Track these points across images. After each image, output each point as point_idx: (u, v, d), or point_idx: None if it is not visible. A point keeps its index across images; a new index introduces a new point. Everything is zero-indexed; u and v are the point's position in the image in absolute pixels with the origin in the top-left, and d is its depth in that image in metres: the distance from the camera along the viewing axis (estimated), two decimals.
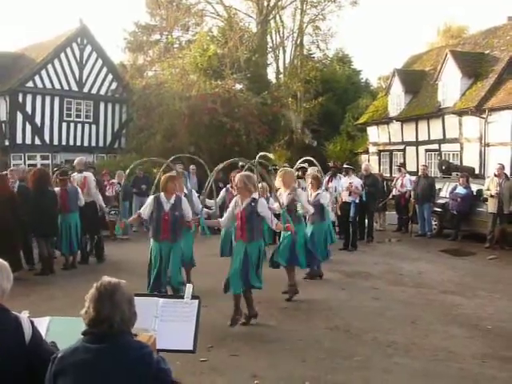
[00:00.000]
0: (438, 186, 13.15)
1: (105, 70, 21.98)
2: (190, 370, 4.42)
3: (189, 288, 2.96)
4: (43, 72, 20.26)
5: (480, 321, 6.20)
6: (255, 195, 5.90)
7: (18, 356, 2.30)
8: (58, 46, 20.70)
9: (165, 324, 2.80)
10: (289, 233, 6.54)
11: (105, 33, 53.63)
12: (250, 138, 20.02)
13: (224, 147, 18.82)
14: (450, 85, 18.54)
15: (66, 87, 20.86)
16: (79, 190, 9.17)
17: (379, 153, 23.29)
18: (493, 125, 16.75)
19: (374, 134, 23.60)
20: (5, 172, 9.40)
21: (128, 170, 7.52)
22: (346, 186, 11.20)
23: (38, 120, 20.35)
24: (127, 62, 26.64)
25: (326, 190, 9.90)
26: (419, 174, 14.08)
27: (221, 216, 6.94)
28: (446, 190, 12.94)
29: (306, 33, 28.44)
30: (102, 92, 21.90)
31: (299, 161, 10.51)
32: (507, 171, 12.66)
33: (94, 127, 21.87)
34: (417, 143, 20.59)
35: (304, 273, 8.04)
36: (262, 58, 27.12)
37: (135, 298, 2.30)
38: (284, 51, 28.95)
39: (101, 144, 22.05)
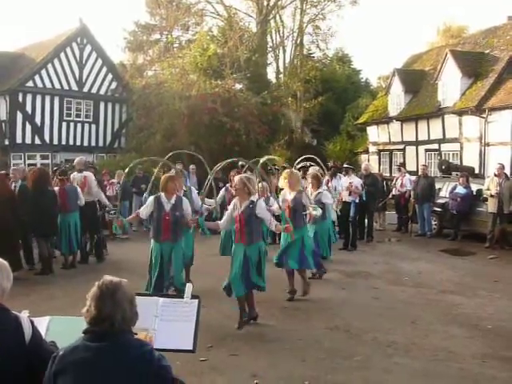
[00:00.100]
0: (437, 185, 13.13)
1: (105, 69, 22.00)
2: (190, 370, 4.42)
3: (189, 288, 2.96)
4: (43, 72, 20.29)
5: (480, 321, 6.20)
6: (254, 197, 5.85)
7: (17, 356, 2.29)
8: (57, 45, 20.72)
9: (165, 323, 2.80)
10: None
11: (105, 32, 53.86)
12: (250, 138, 20.01)
13: (224, 147, 18.79)
14: (450, 84, 18.54)
15: (65, 87, 20.88)
16: (79, 189, 9.18)
17: (379, 152, 23.29)
18: (493, 124, 16.76)
19: (374, 133, 23.59)
20: (4, 172, 9.40)
21: (127, 169, 7.51)
22: (345, 185, 11.20)
23: (37, 120, 20.36)
24: (127, 61, 26.67)
25: (327, 188, 9.88)
26: (419, 173, 14.08)
27: (221, 212, 6.92)
28: (445, 190, 12.92)
29: (305, 32, 28.51)
30: (102, 92, 21.92)
31: (298, 160, 10.47)
32: (507, 171, 12.65)
33: (93, 127, 21.89)
34: (417, 143, 20.58)
35: (310, 272, 8.01)
36: (262, 58, 27.12)
37: (136, 297, 2.29)
38: (284, 51, 29.03)
39: (101, 144, 22.07)
